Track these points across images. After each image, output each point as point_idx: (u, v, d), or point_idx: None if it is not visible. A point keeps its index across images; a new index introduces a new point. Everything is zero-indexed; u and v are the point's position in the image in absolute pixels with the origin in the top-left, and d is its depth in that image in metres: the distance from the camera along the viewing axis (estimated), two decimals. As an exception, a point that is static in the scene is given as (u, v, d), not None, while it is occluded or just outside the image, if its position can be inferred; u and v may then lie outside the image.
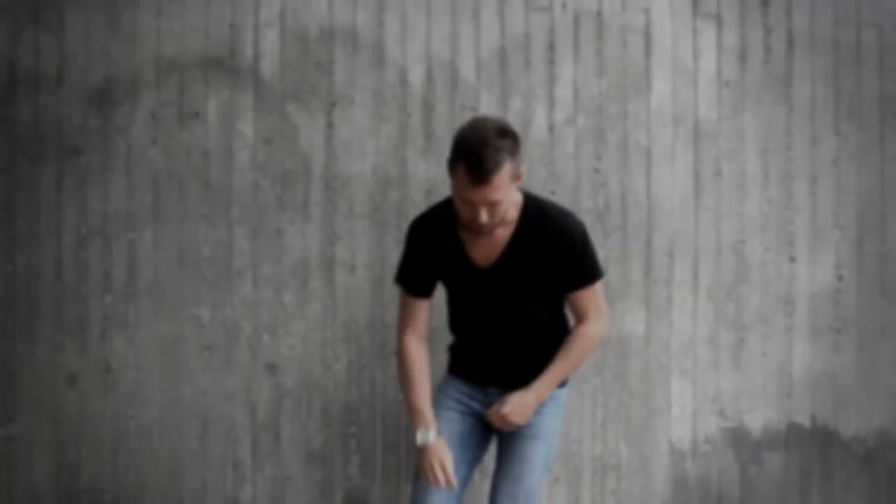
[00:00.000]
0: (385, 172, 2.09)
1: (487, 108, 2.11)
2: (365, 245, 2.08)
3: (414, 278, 1.68)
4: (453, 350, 1.82)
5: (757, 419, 2.15)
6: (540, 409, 1.66)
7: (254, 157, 2.09)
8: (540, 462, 1.67)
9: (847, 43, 2.18)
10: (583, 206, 2.12)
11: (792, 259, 2.16)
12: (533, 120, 2.12)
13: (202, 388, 2.08)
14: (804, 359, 2.16)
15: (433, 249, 1.64)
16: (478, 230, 1.53)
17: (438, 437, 1.60)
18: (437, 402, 1.71)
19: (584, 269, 1.63)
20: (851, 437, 2.16)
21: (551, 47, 2.13)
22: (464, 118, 2.10)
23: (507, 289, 1.62)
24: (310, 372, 2.09)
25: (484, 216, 1.45)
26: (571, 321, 1.73)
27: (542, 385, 1.63)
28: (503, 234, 1.59)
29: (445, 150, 2.10)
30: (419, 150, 2.10)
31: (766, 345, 2.15)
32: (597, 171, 2.13)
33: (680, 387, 2.14)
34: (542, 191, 2.11)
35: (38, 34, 2.07)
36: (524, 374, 1.66)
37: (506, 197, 1.46)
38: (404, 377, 1.68)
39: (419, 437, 1.60)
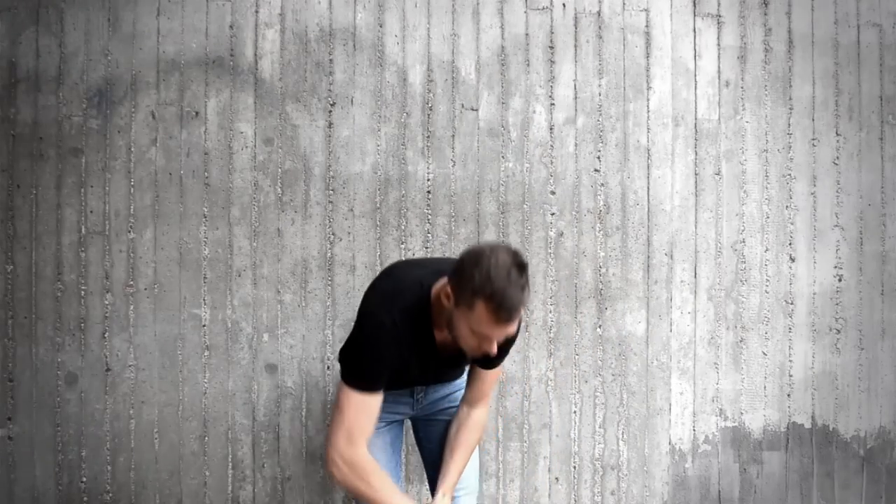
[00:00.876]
0: (385, 172, 2.09)
1: (487, 107, 2.11)
2: (365, 245, 2.08)
3: (379, 376, 1.44)
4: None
5: (757, 419, 2.15)
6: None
7: (254, 157, 2.09)
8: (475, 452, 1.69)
9: (847, 43, 2.18)
10: (583, 206, 2.12)
11: (792, 259, 2.17)
12: (533, 120, 2.12)
13: (202, 388, 2.08)
14: (804, 359, 2.16)
15: (405, 349, 1.45)
16: (472, 357, 1.46)
17: None
18: None
19: (506, 351, 1.52)
20: (851, 437, 2.16)
21: (551, 47, 2.13)
22: (464, 118, 2.10)
23: (455, 362, 1.57)
24: (310, 372, 2.09)
25: (495, 348, 1.38)
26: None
27: (452, 483, 1.60)
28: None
29: (446, 150, 2.12)
30: (419, 150, 2.10)
31: (766, 345, 2.15)
32: (597, 171, 2.13)
33: (680, 387, 2.14)
34: (542, 191, 2.12)
35: (38, 34, 2.07)
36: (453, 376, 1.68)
37: None
38: (370, 489, 1.43)
39: None
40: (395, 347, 1.43)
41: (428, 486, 1.76)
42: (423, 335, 1.47)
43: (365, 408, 1.43)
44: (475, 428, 1.61)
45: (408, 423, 1.81)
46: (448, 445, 1.62)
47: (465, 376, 1.68)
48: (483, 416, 1.64)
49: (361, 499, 1.45)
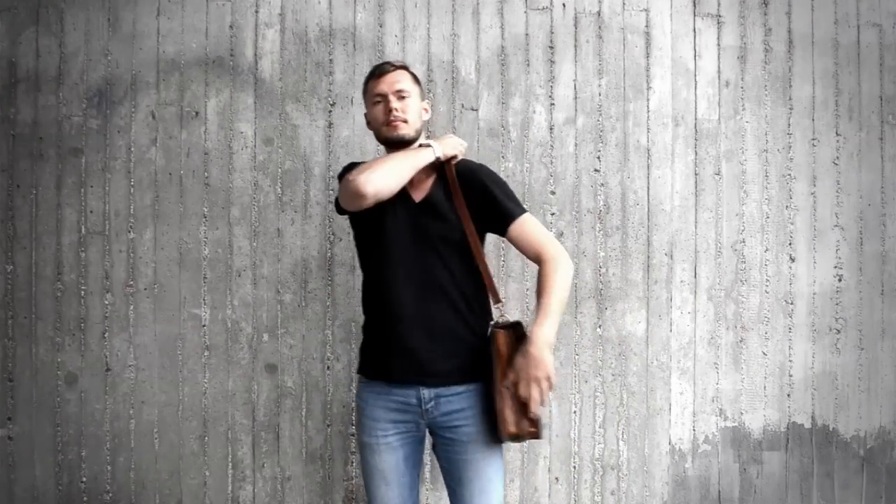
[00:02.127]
0: (385, 172, 2.09)
1: (487, 107, 2.11)
2: (365, 245, 2.08)
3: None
4: (369, 343, 1.70)
5: (757, 419, 2.15)
6: (480, 407, 1.59)
7: (254, 157, 2.09)
8: (500, 463, 1.62)
9: (847, 43, 2.18)
10: (583, 206, 2.12)
11: (792, 259, 2.16)
12: (533, 120, 2.12)
13: (202, 388, 2.08)
14: (804, 359, 2.16)
15: None
16: (393, 130, 1.65)
17: None
18: (369, 432, 1.63)
19: (504, 201, 1.66)
20: (851, 437, 2.16)
21: (551, 47, 2.13)
22: (464, 118, 2.10)
23: (434, 226, 1.62)
24: (310, 372, 2.09)
25: (393, 104, 1.64)
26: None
27: (547, 326, 1.51)
28: (424, 178, 1.68)
29: (445, 150, 2.12)
30: (419, 150, 2.10)
31: (766, 345, 2.15)
32: (597, 171, 2.13)
33: (680, 387, 2.14)
34: (542, 191, 2.12)
35: (38, 34, 2.07)
36: (452, 352, 1.60)
37: (412, 97, 1.67)
38: (380, 160, 1.64)
39: (437, 150, 1.65)
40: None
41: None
42: None
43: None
44: (542, 276, 1.59)
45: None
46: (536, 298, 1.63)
47: (472, 390, 1.60)
48: (551, 264, 1.59)
49: (392, 169, 1.60)
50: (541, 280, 1.59)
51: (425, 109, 1.75)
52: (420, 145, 1.67)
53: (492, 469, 1.60)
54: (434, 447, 1.68)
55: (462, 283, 1.63)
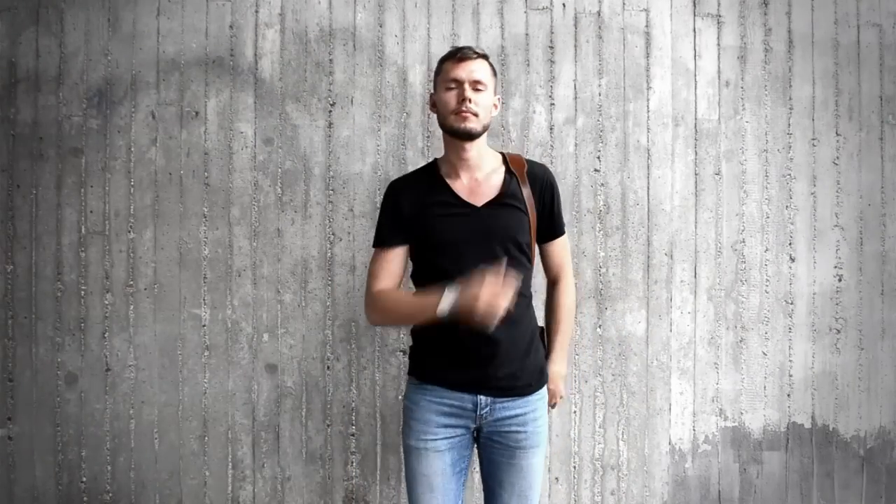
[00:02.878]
0: (385, 172, 2.09)
1: (487, 108, 2.11)
2: (365, 245, 2.08)
3: (394, 231, 1.64)
4: (426, 346, 1.64)
5: (757, 419, 2.15)
6: (534, 414, 1.60)
7: (254, 157, 2.09)
8: (541, 471, 1.64)
9: (847, 43, 2.18)
10: (583, 206, 2.12)
11: (792, 259, 2.17)
12: (533, 120, 2.12)
13: (202, 388, 2.08)
14: (804, 359, 2.16)
15: (422, 193, 1.64)
16: (462, 122, 1.57)
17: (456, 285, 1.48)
18: (416, 435, 1.59)
19: (559, 216, 1.72)
20: (851, 437, 2.16)
21: (551, 47, 2.13)
22: (464, 118, 2.10)
23: (496, 231, 1.58)
24: (310, 372, 2.09)
25: (468, 92, 1.57)
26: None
27: (562, 362, 1.74)
28: (489, 178, 1.65)
29: (445, 150, 2.12)
30: (419, 150, 2.10)
31: (766, 345, 2.15)
32: (597, 171, 2.13)
33: (680, 387, 2.14)
34: (542, 191, 2.12)
35: (38, 34, 2.07)
36: (511, 361, 1.57)
37: (487, 91, 1.60)
38: (389, 304, 1.60)
39: (446, 302, 1.46)
40: (408, 193, 1.65)
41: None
42: (436, 181, 1.65)
43: (382, 260, 1.65)
44: (558, 306, 1.74)
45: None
46: (546, 329, 1.76)
47: (539, 394, 1.63)
48: (564, 292, 1.75)
49: (394, 321, 1.70)
50: (557, 304, 1.75)
51: (495, 105, 1.66)
52: (437, 297, 1.49)
53: (533, 475, 1.61)
54: (477, 446, 1.65)
55: (524, 289, 1.61)
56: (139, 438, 2.07)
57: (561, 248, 1.75)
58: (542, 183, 1.68)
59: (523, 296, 1.60)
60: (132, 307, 2.08)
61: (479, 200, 1.61)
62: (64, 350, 2.07)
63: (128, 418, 2.08)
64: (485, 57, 1.62)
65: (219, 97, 2.09)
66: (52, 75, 2.07)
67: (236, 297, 2.08)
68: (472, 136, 1.59)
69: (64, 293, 2.07)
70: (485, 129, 1.62)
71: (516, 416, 1.59)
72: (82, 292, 2.07)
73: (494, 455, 1.62)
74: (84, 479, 2.07)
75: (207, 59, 2.09)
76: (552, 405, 1.73)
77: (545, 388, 1.67)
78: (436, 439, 1.58)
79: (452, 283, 1.49)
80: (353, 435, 2.08)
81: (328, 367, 2.09)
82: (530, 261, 1.65)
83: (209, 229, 2.09)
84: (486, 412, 1.58)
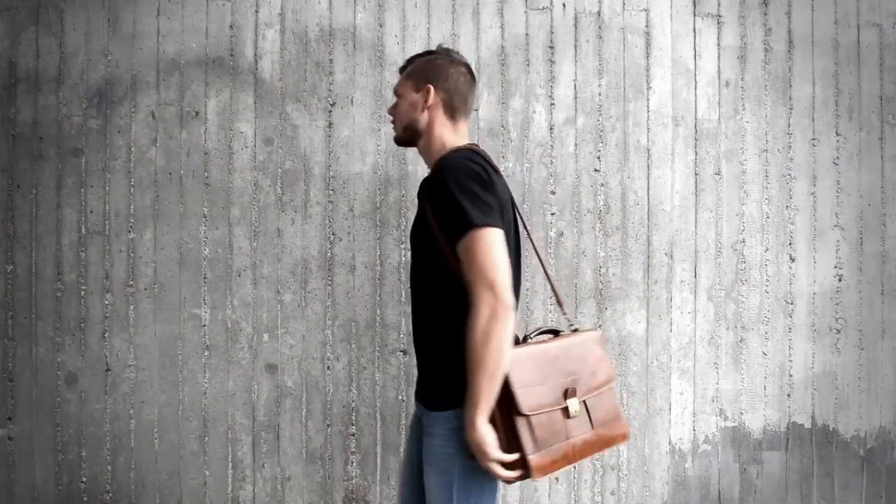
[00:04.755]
0: (385, 172, 2.09)
1: (487, 107, 2.11)
2: (365, 245, 2.08)
3: (500, 212, 1.36)
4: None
5: (757, 419, 2.15)
6: (431, 430, 1.44)
7: (254, 157, 2.09)
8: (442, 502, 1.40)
9: (847, 43, 2.18)
10: (583, 207, 2.12)
11: (792, 259, 2.17)
12: (533, 120, 2.12)
13: (202, 388, 2.08)
14: (804, 359, 2.16)
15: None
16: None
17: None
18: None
19: (451, 211, 1.32)
20: (851, 437, 2.16)
21: (551, 47, 2.13)
22: (464, 118, 2.10)
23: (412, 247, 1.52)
24: (310, 372, 2.09)
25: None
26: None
27: (471, 408, 1.32)
28: None
29: (445, 150, 2.11)
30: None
31: (766, 345, 2.15)
32: (597, 171, 2.13)
33: (680, 387, 2.14)
34: (542, 191, 2.12)
35: (38, 34, 2.07)
36: (420, 366, 1.51)
37: (402, 98, 1.60)
38: (502, 355, 1.29)
39: (484, 429, 1.30)
40: (492, 172, 1.40)
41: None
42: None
43: (503, 244, 1.31)
44: (467, 341, 1.30)
45: None
46: None
47: (441, 416, 1.45)
48: (471, 323, 1.29)
49: (500, 351, 1.28)
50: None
51: (416, 103, 1.54)
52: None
53: (432, 500, 1.46)
54: None
55: (438, 300, 1.52)
56: (139, 438, 2.07)
57: (462, 252, 1.34)
58: (422, 193, 1.49)
59: (438, 306, 1.43)
60: (132, 307, 2.08)
61: None
62: (64, 350, 2.07)
63: (128, 418, 2.07)
64: (408, 64, 1.63)
65: (219, 97, 2.09)
66: (52, 75, 2.07)
67: (236, 297, 2.08)
68: (398, 141, 1.65)
69: (64, 293, 2.07)
70: (407, 130, 1.57)
71: (423, 424, 1.49)
72: (82, 292, 2.07)
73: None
74: (84, 479, 2.07)
75: (207, 59, 2.09)
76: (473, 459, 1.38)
77: (452, 416, 1.40)
78: (408, 441, 1.63)
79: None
80: (353, 435, 2.08)
81: (328, 367, 2.09)
82: (445, 271, 1.39)
83: (209, 229, 2.09)
84: (423, 418, 1.50)
